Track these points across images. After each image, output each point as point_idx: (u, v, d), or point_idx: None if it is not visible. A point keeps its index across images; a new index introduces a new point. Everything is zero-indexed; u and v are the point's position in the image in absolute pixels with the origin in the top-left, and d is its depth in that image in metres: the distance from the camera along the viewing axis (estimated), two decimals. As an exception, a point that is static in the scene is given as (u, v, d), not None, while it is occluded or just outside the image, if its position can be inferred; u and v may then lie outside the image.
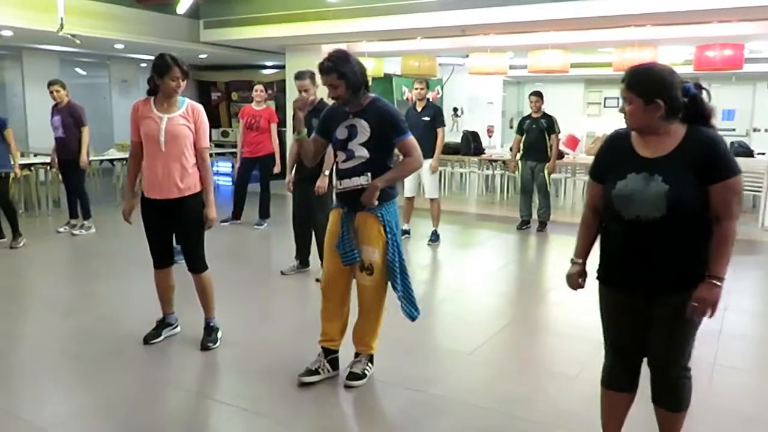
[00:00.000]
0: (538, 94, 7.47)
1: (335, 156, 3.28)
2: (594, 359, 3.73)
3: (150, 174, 3.60)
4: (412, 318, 3.24)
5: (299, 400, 3.15)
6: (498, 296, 5.26)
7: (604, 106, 17.15)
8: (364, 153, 3.09)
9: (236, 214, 7.61)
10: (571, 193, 9.87)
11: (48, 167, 7.77)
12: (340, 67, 3.02)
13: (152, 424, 2.96)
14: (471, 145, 10.07)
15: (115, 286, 5.18)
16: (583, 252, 2.45)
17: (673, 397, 2.37)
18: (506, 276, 5.94)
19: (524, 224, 7.65)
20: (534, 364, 3.74)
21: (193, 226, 3.67)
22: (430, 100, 6.58)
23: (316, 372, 3.29)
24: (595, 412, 3.03)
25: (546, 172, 7.43)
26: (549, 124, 7.37)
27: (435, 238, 6.71)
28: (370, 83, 3.18)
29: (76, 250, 6.51)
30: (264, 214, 7.59)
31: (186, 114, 3.57)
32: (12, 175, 6.39)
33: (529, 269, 6.36)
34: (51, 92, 6.78)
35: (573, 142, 10.75)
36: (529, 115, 7.55)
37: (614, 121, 11.05)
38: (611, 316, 2.40)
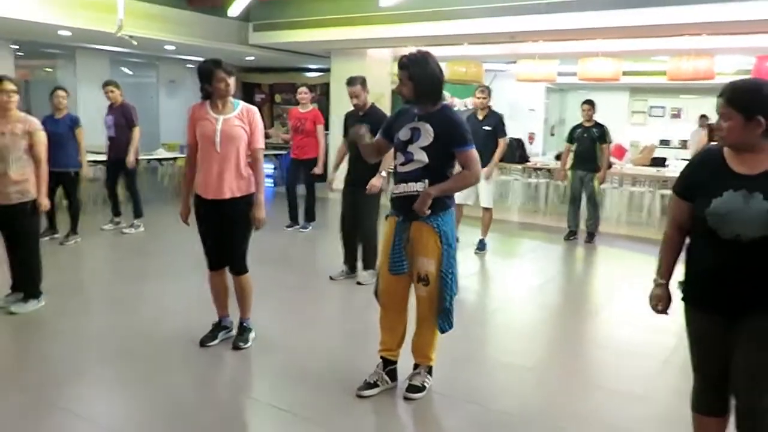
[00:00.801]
0: (591, 103, 7.34)
1: (395, 158, 3.22)
2: (656, 379, 3.64)
3: (205, 174, 3.62)
4: (443, 330, 3.18)
5: (357, 411, 3.12)
6: (550, 309, 5.15)
7: (650, 115, 16.83)
8: (423, 157, 3.03)
9: (294, 217, 7.62)
10: (618, 204, 9.66)
11: (98, 165, 7.93)
12: (413, 68, 3.01)
13: (207, 426, 2.96)
14: (516, 152, 9.93)
15: (168, 286, 5.23)
16: (667, 272, 2.36)
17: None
18: (557, 288, 5.83)
19: (571, 235, 7.51)
20: (593, 381, 3.64)
21: (241, 227, 3.68)
22: (492, 108, 6.49)
23: (375, 385, 3.25)
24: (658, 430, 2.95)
25: (596, 182, 7.28)
26: (600, 134, 7.24)
27: (482, 246, 6.62)
28: (442, 94, 3.12)
29: (127, 248, 6.61)
30: (310, 217, 7.60)
31: (241, 115, 3.59)
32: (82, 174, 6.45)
33: (579, 282, 6.24)
34: (106, 92, 6.90)
35: (620, 151, 10.52)
36: (581, 123, 7.41)
37: (659, 130, 10.97)
38: (697, 341, 2.30)
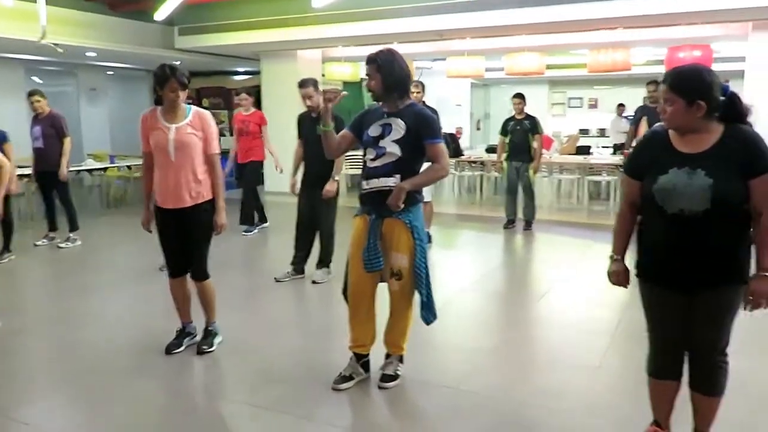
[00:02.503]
0: (521, 96, 7.64)
1: (364, 154, 3.25)
2: (607, 351, 3.90)
3: (162, 184, 3.59)
4: (428, 322, 3.28)
5: (333, 401, 3.18)
6: (499, 295, 5.38)
7: (569, 107, 17.63)
8: (396, 150, 3.08)
9: (251, 221, 7.54)
10: (548, 192, 10.11)
11: (24, 179, 7.57)
12: (381, 61, 3.08)
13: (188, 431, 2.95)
14: (450, 146, 10.19)
15: (114, 299, 5.09)
16: (621, 248, 2.53)
17: (710, 382, 2.47)
18: (504, 275, 6.07)
19: (510, 223, 7.81)
20: (554, 358, 3.83)
21: (202, 233, 3.67)
22: (426, 103, 6.63)
23: (350, 378, 3.31)
24: (622, 400, 3.18)
25: (531, 172, 7.60)
26: (532, 125, 7.55)
27: (428, 239, 6.77)
28: (409, 89, 3.23)
29: (66, 263, 6.35)
30: (252, 220, 7.54)
31: (193, 122, 3.56)
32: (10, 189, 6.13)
33: (524, 267, 6.50)
34: (32, 102, 6.61)
35: (547, 142, 10.99)
36: (513, 116, 7.71)
37: (578, 120, 11.57)
38: (656, 311, 2.49)
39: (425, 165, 3.23)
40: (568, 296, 5.07)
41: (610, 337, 4.10)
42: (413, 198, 3.15)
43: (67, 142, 6.66)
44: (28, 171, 7.08)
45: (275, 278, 5.43)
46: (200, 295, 3.80)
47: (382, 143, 3.12)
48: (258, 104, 10.90)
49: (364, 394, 3.26)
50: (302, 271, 5.47)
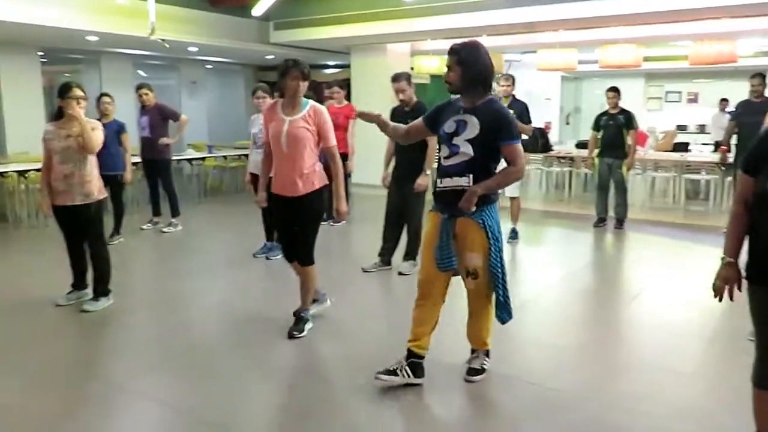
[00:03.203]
0: (616, 90, 7.40)
1: (439, 150, 3.22)
2: (702, 357, 3.75)
3: (277, 172, 3.84)
4: (503, 321, 3.24)
5: (420, 392, 3.23)
6: (589, 293, 5.27)
7: (666, 101, 16.83)
8: (468, 150, 3.01)
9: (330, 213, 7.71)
10: (641, 190, 9.73)
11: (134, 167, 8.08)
12: (464, 54, 3.00)
13: (293, 415, 3.11)
14: (539, 141, 10.03)
15: (216, 282, 5.39)
16: (735, 250, 2.39)
17: None
18: (594, 273, 5.94)
19: (600, 222, 7.60)
20: (644, 361, 3.73)
21: (310, 221, 3.87)
22: (515, 96, 6.56)
23: (394, 373, 3.21)
24: (717, 409, 3.06)
25: (624, 169, 7.36)
26: (627, 120, 7.30)
27: (515, 235, 6.72)
28: (492, 85, 3.15)
29: (168, 246, 6.78)
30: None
31: (307, 116, 3.73)
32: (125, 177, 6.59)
33: (615, 267, 6.34)
34: (140, 95, 7.06)
35: (642, 137, 10.55)
36: (606, 111, 7.48)
37: (676, 115, 10.98)
38: (763, 319, 2.38)
39: (503, 163, 3.16)
40: (661, 298, 4.90)
41: (705, 343, 3.95)
42: (487, 198, 3.08)
43: (184, 119, 7.17)
44: (138, 159, 7.56)
45: (362, 268, 5.56)
46: (302, 279, 4.01)
47: (455, 141, 3.05)
48: (348, 98, 11.13)
49: (450, 387, 3.31)
50: (389, 263, 5.57)
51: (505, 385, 3.34)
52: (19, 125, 9.64)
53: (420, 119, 3.36)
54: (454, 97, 3.22)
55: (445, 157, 3.11)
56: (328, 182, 3.94)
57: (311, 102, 3.80)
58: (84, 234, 4.41)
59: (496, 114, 3.03)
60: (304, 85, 3.70)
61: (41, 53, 10.18)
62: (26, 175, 7.51)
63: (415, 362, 3.25)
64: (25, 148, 8.90)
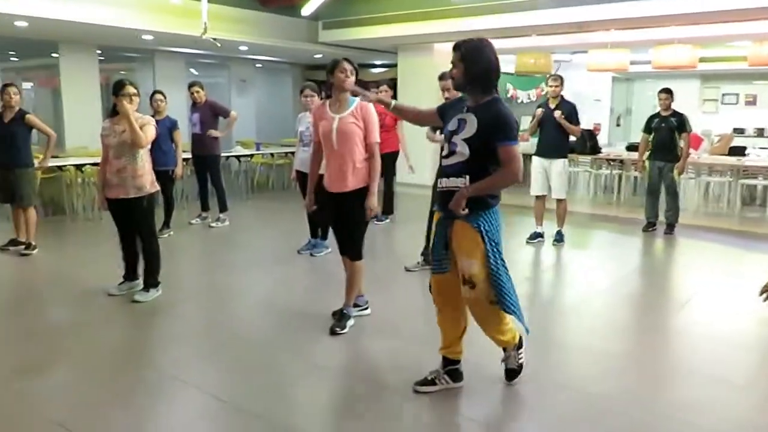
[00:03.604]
0: (668, 91, 7.21)
1: (441, 149, 3.10)
2: (757, 370, 3.62)
3: (328, 169, 3.93)
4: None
5: (462, 395, 3.22)
6: (636, 299, 5.15)
7: (722, 103, 16.28)
8: (465, 150, 2.91)
9: (390, 210, 7.79)
10: (695, 195, 9.46)
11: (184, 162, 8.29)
12: (465, 50, 2.90)
13: (333, 410, 3.15)
14: (587, 143, 9.84)
15: (263, 276, 5.49)
16: None
17: None
18: (642, 279, 5.80)
19: (650, 226, 7.42)
20: (694, 370, 3.62)
21: (359, 217, 3.91)
22: (564, 97, 6.47)
23: (432, 382, 3.19)
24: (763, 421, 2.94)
25: (675, 172, 7.16)
26: (679, 123, 7.11)
27: (560, 238, 6.63)
28: (497, 85, 2.97)
29: (215, 241, 6.93)
30: (387, 209, 7.77)
31: (355, 113, 3.80)
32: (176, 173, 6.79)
33: (664, 273, 6.17)
34: (192, 93, 7.23)
35: (696, 141, 10.26)
36: (658, 113, 7.29)
37: (732, 118, 10.58)
38: None
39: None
40: (713, 306, 4.75)
41: (759, 355, 3.82)
42: (483, 202, 2.93)
43: (233, 115, 7.37)
44: (188, 155, 7.74)
45: (405, 267, 5.56)
46: (349, 274, 4.07)
47: (454, 139, 2.97)
48: (394, 97, 11.17)
49: (494, 387, 3.29)
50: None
51: (547, 389, 3.29)
52: (77, 121, 10.04)
53: (435, 107, 3.30)
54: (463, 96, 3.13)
55: (444, 156, 3.02)
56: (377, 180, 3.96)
57: (358, 99, 3.85)
58: (136, 226, 4.56)
59: (495, 113, 2.89)
60: (351, 79, 3.74)
61: (99, 52, 10.55)
62: (83, 169, 7.79)
63: (451, 369, 3.22)
64: (82, 143, 9.26)
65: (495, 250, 2.94)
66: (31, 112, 6.09)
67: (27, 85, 11.87)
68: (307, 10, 8.76)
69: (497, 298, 2.96)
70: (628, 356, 3.83)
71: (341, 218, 3.98)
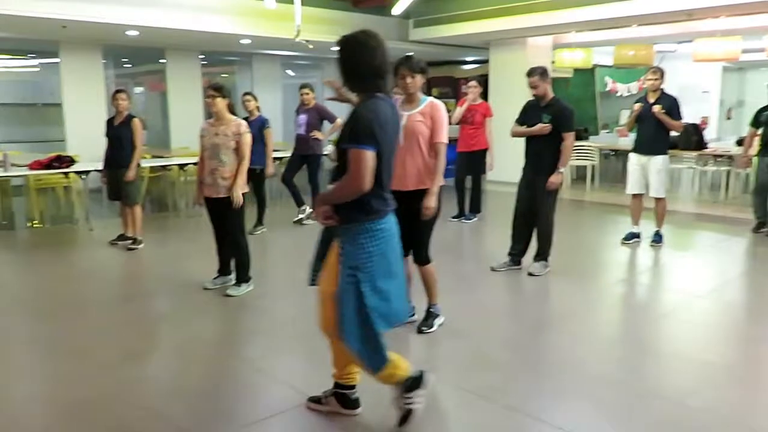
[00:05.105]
0: (782, 82, 6.66)
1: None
2: None
3: (395, 167, 3.82)
4: (372, 371, 2.73)
5: (544, 396, 3.15)
6: (740, 307, 4.81)
7: None
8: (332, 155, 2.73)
9: (461, 209, 7.71)
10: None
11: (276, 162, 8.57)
12: (338, 46, 2.65)
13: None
14: (692, 138, 9.27)
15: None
16: None
17: None
18: (748, 285, 5.40)
19: (761, 227, 6.88)
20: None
21: (419, 218, 3.82)
22: (664, 90, 6.12)
23: (318, 401, 3.05)
24: None
25: (788, 169, 6.61)
26: (793, 116, 6.55)
27: (658, 239, 6.29)
28: (377, 84, 2.63)
29: (307, 238, 7.07)
30: (475, 208, 7.68)
31: (424, 111, 3.76)
32: (266, 171, 7.04)
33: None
34: (302, 94, 7.46)
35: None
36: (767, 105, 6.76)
37: None
38: None
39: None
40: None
41: None
42: (346, 215, 2.62)
43: (339, 122, 7.36)
44: (280, 155, 8.00)
45: (491, 267, 5.48)
46: (422, 278, 4.03)
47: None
48: (485, 94, 11.01)
49: (575, 391, 3.19)
50: (519, 263, 5.44)
51: (638, 398, 3.13)
52: (181, 122, 10.66)
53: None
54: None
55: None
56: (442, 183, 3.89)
57: (429, 98, 3.82)
58: (226, 224, 4.76)
59: (353, 114, 2.60)
60: (414, 80, 3.69)
61: (202, 56, 11.12)
62: (185, 168, 8.24)
63: (340, 393, 3.00)
64: (186, 143, 9.80)
65: (348, 275, 2.60)
66: (142, 115, 6.49)
67: (138, 90, 12.76)
68: (397, 9, 8.80)
69: (340, 330, 2.65)
70: (729, 368, 3.57)
71: (404, 219, 3.89)
